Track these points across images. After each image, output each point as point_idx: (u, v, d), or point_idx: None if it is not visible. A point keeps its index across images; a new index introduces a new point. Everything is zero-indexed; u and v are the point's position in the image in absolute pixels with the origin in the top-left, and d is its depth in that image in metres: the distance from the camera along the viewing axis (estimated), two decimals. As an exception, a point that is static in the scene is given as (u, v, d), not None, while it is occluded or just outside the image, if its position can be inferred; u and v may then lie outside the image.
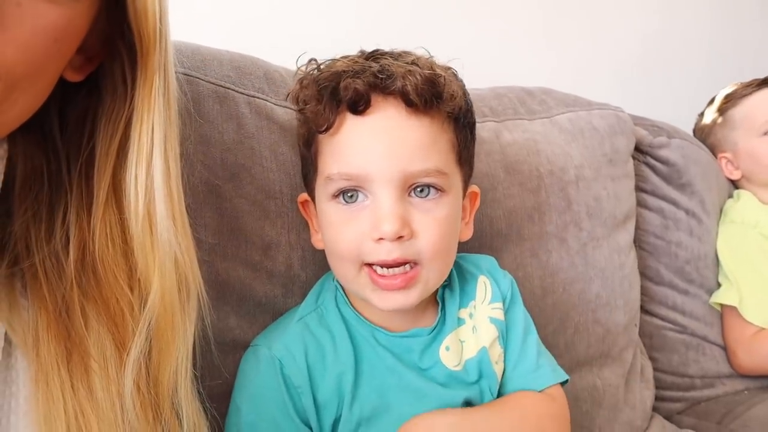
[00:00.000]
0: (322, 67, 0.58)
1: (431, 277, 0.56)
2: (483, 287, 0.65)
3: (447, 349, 0.60)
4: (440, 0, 1.21)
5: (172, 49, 0.49)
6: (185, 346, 0.52)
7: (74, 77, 0.47)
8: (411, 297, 0.55)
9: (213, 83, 0.66)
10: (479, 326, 0.62)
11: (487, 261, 0.69)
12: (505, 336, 0.64)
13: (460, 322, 0.62)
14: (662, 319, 1.04)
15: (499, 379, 0.63)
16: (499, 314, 0.65)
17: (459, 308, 0.63)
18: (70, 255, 0.49)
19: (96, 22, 0.44)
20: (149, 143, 0.47)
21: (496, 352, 0.63)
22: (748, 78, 1.19)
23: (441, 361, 0.59)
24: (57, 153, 0.50)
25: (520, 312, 0.66)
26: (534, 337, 0.66)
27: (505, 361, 0.64)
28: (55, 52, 0.40)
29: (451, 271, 0.64)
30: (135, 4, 0.44)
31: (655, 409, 1.01)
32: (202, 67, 0.66)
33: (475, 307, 0.64)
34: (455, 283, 0.64)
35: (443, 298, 0.63)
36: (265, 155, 0.67)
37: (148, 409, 0.50)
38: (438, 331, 0.61)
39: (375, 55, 0.57)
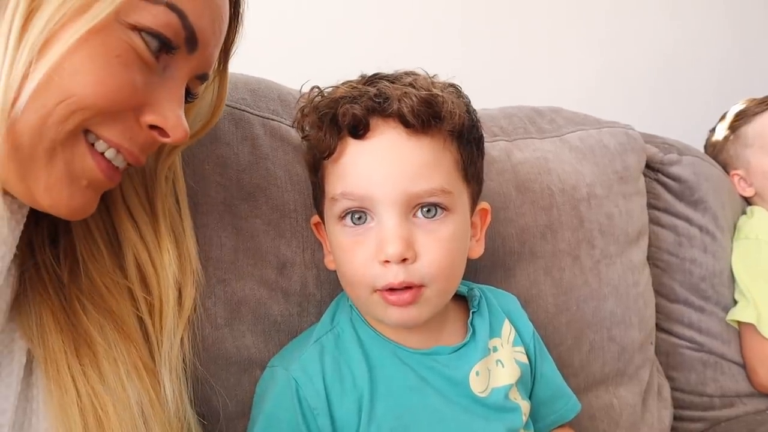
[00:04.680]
0: (325, 93, 0.59)
1: (434, 296, 0.56)
2: (507, 329, 0.66)
3: (477, 374, 0.60)
4: (450, 21, 1.24)
5: None
6: (182, 323, 0.58)
7: None
8: (417, 312, 0.56)
9: (229, 106, 0.68)
10: (505, 363, 0.63)
11: (510, 302, 0.70)
12: (527, 380, 0.66)
13: (489, 351, 0.63)
14: (679, 337, 1.03)
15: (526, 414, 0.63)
16: (522, 357, 0.65)
17: (489, 338, 0.63)
18: (60, 259, 0.53)
19: None
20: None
21: (517, 392, 0.63)
22: (758, 94, 1.19)
23: (469, 385, 0.59)
24: None
25: (550, 365, 0.70)
26: (559, 378, 0.71)
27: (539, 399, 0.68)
28: None
29: (481, 299, 0.66)
30: None
31: (674, 429, 0.99)
32: (219, 90, 0.68)
33: (501, 344, 0.64)
34: (485, 312, 0.65)
35: (473, 324, 0.63)
36: (280, 175, 0.68)
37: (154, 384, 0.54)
38: (464, 353, 0.61)
39: (373, 79, 0.58)
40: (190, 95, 0.52)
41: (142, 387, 0.52)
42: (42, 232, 0.54)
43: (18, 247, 0.48)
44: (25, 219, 0.48)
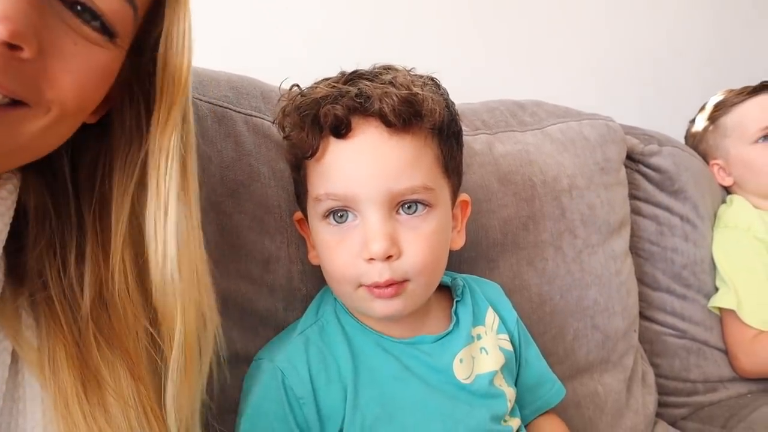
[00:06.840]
0: (304, 92, 0.59)
1: (418, 289, 0.57)
2: (491, 317, 0.67)
3: (461, 361, 0.61)
4: (431, 17, 1.24)
5: (191, 96, 0.50)
6: (201, 379, 0.54)
7: (90, 119, 0.48)
8: (402, 304, 0.57)
9: (211, 103, 0.68)
10: (489, 350, 0.64)
11: (494, 290, 0.71)
12: (512, 367, 0.67)
13: (472, 338, 0.64)
14: (662, 324, 1.05)
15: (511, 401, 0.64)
16: (507, 344, 0.67)
17: (473, 326, 0.65)
18: (85, 291, 0.50)
19: (121, 68, 0.46)
20: (165, 190, 0.48)
21: (502, 379, 0.64)
22: (738, 86, 1.21)
23: (453, 372, 0.60)
24: (66, 191, 0.51)
25: (534, 350, 0.72)
26: (543, 363, 0.72)
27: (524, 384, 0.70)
28: (99, 90, 0.44)
29: (464, 288, 0.67)
30: (166, 70, 0.47)
31: (659, 415, 1.01)
32: (201, 87, 0.68)
33: (485, 332, 0.65)
34: (468, 300, 0.66)
35: (457, 313, 0.64)
36: (263, 172, 0.69)
37: None
38: (447, 342, 0.62)
39: (353, 78, 0.58)
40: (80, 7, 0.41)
41: (149, 430, 0.50)
42: (54, 261, 0.50)
43: (27, 276, 0.47)
44: (14, 206, 0.46)
